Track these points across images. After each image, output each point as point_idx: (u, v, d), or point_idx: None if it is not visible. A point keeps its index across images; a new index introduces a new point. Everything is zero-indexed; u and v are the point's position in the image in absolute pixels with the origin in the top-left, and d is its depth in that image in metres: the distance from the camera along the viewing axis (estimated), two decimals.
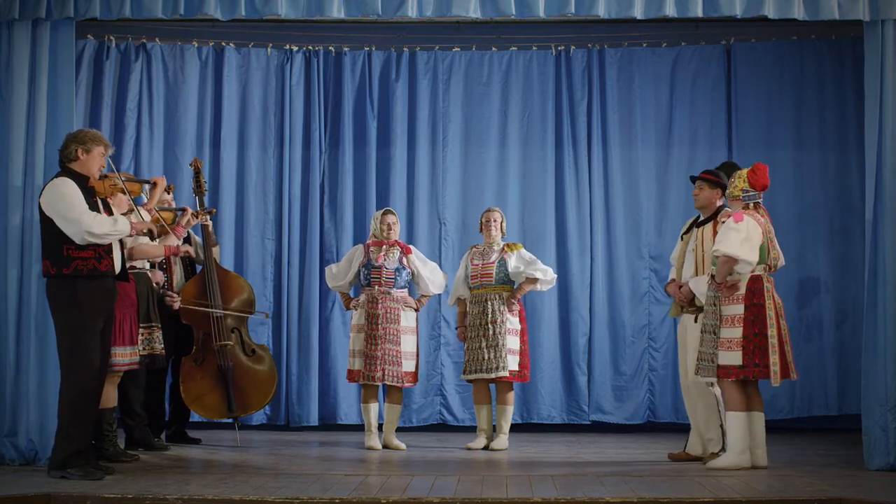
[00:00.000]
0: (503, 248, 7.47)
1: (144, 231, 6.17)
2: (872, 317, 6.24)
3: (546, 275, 7.44)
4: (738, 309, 6.04)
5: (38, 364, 6.17)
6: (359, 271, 7.39)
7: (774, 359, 5.96)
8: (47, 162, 6.20)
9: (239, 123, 8.86)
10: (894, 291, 6.19)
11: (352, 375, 7.36)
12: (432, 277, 7.53)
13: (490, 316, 7.30)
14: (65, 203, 5.62)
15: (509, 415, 7.44)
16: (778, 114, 8.78)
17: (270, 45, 8.88)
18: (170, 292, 7.20)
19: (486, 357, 7.25)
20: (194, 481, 5.53)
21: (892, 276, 6.20)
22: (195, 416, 7.71)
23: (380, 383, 7.26)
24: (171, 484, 5.40)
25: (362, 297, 7.35)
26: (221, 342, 7.26)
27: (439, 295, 8.07)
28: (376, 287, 7.31)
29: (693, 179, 6.73)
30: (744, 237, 6.01)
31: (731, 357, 6.03)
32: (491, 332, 7.26)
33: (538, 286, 7.47)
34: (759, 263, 6.07)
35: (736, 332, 6.02)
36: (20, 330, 6.20)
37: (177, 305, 7.20)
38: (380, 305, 7.28)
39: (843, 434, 8.04)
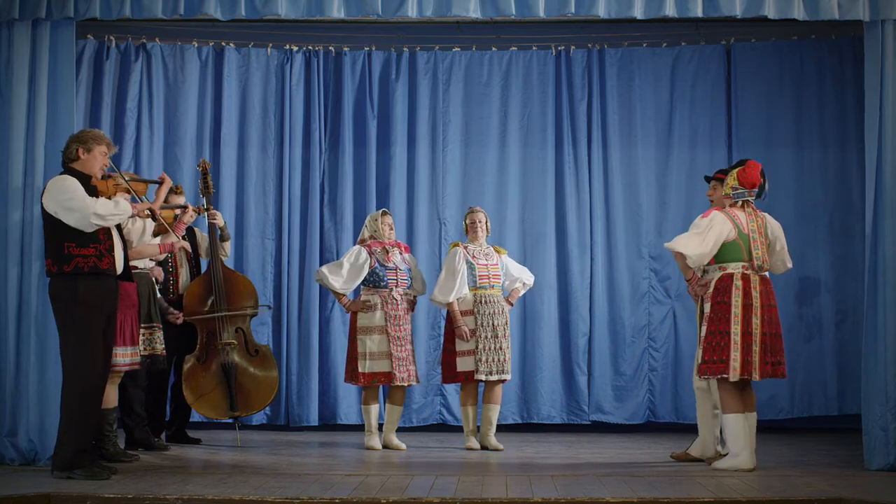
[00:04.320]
0: (496, 251, 7.49)
1: (146, 213, 6.13)
2: (872, 317, 6.24)
3: (532, 280, 7.66)
4: (709, 307, 6.06)
5: (38, 364, 6.15)
6: (369, 273, 7.30)
7: (735, 355, 5.90)
8: (47, 162, 6.20)
9: (239, 123, 8.85)
10: (894, 291, 6.19)
11: (365, 378, 7.16)
12: (422, 276, 7.54)
13: (503, 318, 7.31)
14: (66, 194, 5.62)
15: (497, 412, 7.45)
16: (778, 114, 8.78)
17: (270, 45, 8.88)
18: (172, 309, 7.21)
19: (503, 359, 7.24)
20: (194, 481, 5.53)
21: (892, 276, 6.20)
22: (195, 416, 7.72)
23: (405, 384, 7.23)
24: (171, 484, 5.40)
25: (377, 299, 7.24)
26: (225, 341, 7.26)
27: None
28: (394, 288, 7.27)
29: (708, 179, 6.71)
30: (697, 232, 6.03)
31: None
32: (504, 333, 7.28)
33: (524, 291, 7.64)
34: (733, 262, 6.04)
35: (704, 330, 6.07)
36: (20, 330, 6.19)
37: (179, 321, 7.22)
38: (399, 306, 7.26)
39: (843, 434, 8.03)
